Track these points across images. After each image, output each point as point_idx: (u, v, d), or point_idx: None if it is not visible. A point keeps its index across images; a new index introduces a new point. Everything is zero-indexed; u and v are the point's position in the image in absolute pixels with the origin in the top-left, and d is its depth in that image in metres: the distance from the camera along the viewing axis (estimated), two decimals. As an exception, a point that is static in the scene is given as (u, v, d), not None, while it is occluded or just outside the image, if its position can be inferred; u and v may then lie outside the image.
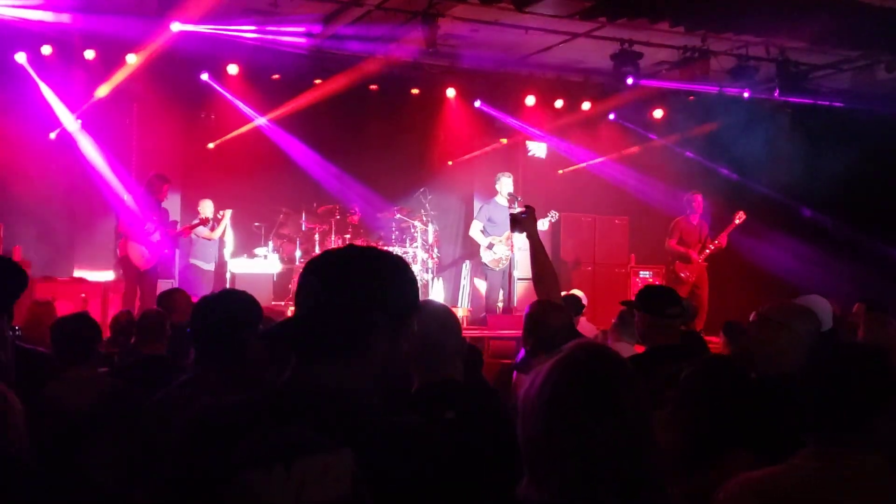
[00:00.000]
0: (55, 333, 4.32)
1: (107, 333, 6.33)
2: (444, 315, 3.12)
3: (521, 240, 10.75)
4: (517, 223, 4.47)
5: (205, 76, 11.43)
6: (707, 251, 11.03)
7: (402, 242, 12.16)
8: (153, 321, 5.15)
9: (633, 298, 4.57)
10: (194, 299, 6.90)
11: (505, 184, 10.87)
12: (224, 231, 11.33)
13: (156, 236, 9.86)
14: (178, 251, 10.99)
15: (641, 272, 12.63)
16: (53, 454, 3.47)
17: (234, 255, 11.80)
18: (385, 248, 11.96)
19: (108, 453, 3.62)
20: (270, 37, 10.49)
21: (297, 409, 1.74)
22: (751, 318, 3.56)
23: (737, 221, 11.01)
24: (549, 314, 3.61)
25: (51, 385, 4.09)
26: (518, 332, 5.08)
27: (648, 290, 4.43)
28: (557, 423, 1.68)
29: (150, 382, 3.77)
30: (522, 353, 4.23)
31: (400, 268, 1.91)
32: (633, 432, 1.67)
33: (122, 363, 5.51)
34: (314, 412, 1.74)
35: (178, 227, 10.78)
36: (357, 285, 1.83)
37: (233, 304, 2.98)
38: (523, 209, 4.51)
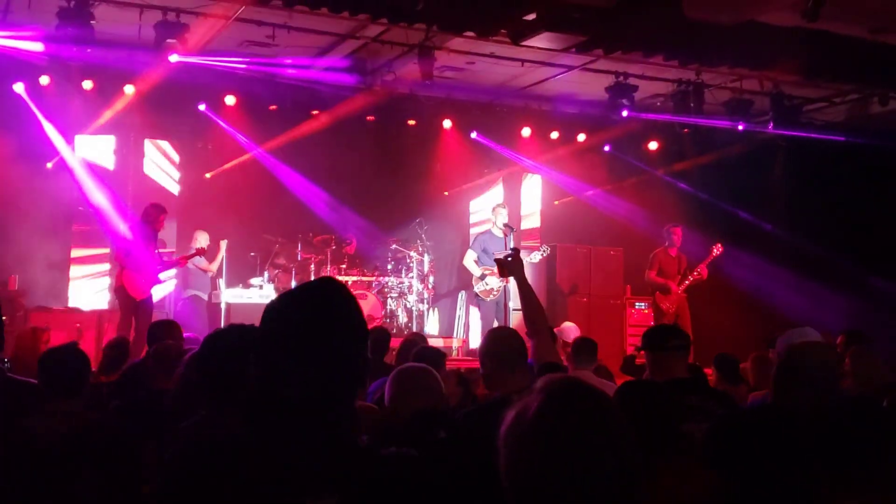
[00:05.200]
0: (43, 365, 4.07)
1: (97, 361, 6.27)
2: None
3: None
4: (504, 267, 4.40)
5: (202, 107, 11.49)
6: (687, 282, 11.07)
7: (397, 273, 12.16)
8: (170, 355, 4.92)
9: (628, 330, 4.66)
10: (191, 330, 6.86)
11: (501, 214, 10.90)
12: (221, 262, 11.29)
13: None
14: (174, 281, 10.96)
15: (636, 303, 12.62)
16: (28, 488, 3.35)
17: (229, 285, 11.75)
18: (379, 277, 11.97)
19: (91, 491, 3.47)
20: (268, 68, 10.56)
21: (285, 454, 1.71)
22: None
23: (715, 252, 11.08)
24: (503, 336, 3.71)
25: (32, 417, 3.84)
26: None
27: (649, 330, 4.59)
28: (533, 459, 1.63)
29: (161, 417, 3.69)
30: None
31: (352, 296, 1.89)
32: (609, 465, 1.60)
33: (129, 396, 5.11)
34: (303, 455, 1.72)
35: (175, 256, 10.74)
36: (349, 329, 1.82)
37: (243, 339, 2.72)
38: (509, 253, 4.45)
